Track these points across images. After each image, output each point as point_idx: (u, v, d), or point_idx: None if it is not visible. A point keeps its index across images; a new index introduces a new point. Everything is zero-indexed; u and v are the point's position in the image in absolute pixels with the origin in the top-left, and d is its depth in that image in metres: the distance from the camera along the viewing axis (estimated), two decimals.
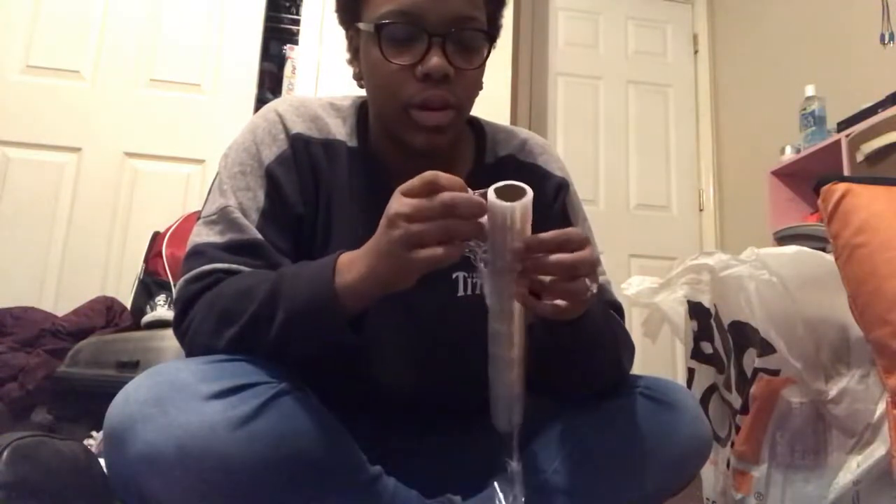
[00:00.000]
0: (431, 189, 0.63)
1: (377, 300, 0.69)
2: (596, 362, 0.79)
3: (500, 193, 0.64)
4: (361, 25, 0.82)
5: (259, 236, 0.79)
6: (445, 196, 0.62)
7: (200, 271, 0.76)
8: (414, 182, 0.64)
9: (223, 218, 0.79)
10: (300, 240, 0.84)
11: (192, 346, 0.74)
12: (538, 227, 0.91)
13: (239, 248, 0.78)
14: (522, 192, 0.64)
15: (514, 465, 0.71)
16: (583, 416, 0.81)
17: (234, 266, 0.76)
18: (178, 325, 0.77)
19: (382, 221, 0.65)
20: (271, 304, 0.69)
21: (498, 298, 0.68)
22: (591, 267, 0.67)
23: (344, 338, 0.69)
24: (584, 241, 0.67)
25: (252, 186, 0.81)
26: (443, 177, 0.64)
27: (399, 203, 0.64)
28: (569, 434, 0.81)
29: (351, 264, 0.68)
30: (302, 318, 0.68)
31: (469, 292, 0.87)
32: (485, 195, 0.65)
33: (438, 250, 0.62)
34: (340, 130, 0.88)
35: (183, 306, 0.76)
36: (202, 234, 0.80)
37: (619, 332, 0.83)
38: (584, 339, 0.74)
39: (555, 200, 0.93)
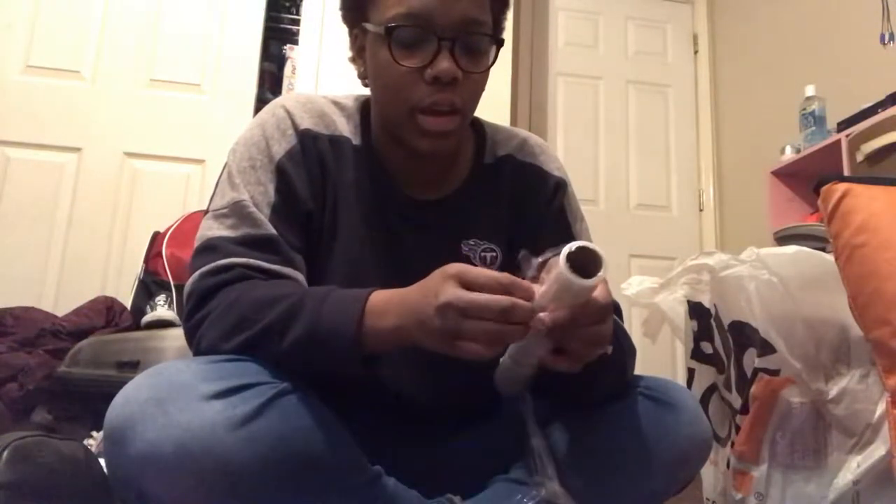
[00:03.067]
0: (497, 290, 0.62)
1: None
2: (602, 380, 0.79)
3: (574, 257, 0.60)
4: (369, 26, 0.82)
5: (273, 231, 0.78)
6: (505, 302, 0.61)
7: (219, 265, 0.75)
8: (479, 276, 0.62)
9: (236, 212, 0.79)
10: (308, 235, 0.83)
11: (200, 343, 0.73)
12: (535, 225, 0.92)
13: (253, 243, 0.77)
14: (596, 262, 0.60)
15: (537, 441, 0.71)
16: (583, 416, 0.81)
17: (252, 261, 0.76)
18: (191, 317, 0.75)
19: (431, 296, 0.63)
20: (288, 322, 0.69)
21: (525, 351, 0.69)
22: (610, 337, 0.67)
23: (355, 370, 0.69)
24: (611, 311, 0.66)
25: (263, 181, 0.81)
26: (516, 286, 0.62)
27: (455, 294, 0.62)
28: (569, 434, 0.81)
29: (384, 313, 0.67)
30: (317, 348, 0.68)
31: None
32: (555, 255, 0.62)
33: (481, 349, 0.62)
34: (346, 128, 0.88)
35: (199, 299, 0.75)
36: (213, 228, 0.79)
37: (623, 341, 0.83)
38: (591, 365, 0.74)
39: (553, 200, 0.93)
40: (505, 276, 0.62)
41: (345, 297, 0.70)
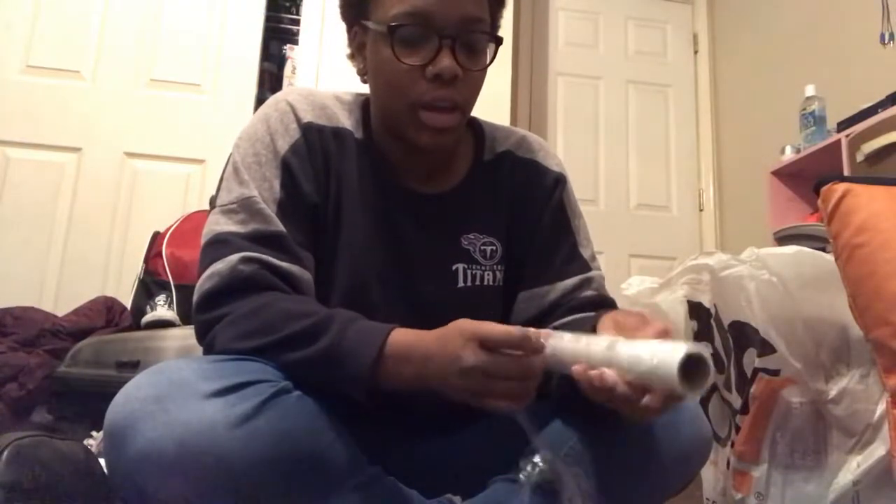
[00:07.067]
0: (514, 345, 0.63)
1: None
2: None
3: (686, 362, 0.56)
4: (370, 24, 0.82)
5: (283, 228, 0.79)
6: (528, 364, 0.64)
7: (237, 257, 0.75)
8: (496, 337, 0.64)
9: (245, 207, 0.79)
10: (313, 228, 0.84)
11: (214, 339, 0.73)
12: (535, 220, 0.92)
13: (263, 239, 0.77)
14: (704, 371, 0.57)
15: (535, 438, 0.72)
16: (582, 416, 0.81)
17: (263, 257, 0.76)
18: (206, 312, 0.75)
19: (452, 358, 0.64)
20: (307, 341, 0.69)
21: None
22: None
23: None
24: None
25: (268, 177, 0.81)
26: (530, 341, 0.63)
27: (476, 359, 0.63)
28: (568, 434, 0.81)
29: (404, 360, 0.68)
30: (329, 374, 0.69)
31: (469, 283, 0.88)
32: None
33: (504, 405, 0.64)
34: (347, 121, 0.89)
35: (217, 296, 0.74)
36: (221, 223, 0.79)
37: None
38: None
39: (552, 195, 0.94)
40: (517, 332, 0.63)
41: (364, 335, 0.70)
